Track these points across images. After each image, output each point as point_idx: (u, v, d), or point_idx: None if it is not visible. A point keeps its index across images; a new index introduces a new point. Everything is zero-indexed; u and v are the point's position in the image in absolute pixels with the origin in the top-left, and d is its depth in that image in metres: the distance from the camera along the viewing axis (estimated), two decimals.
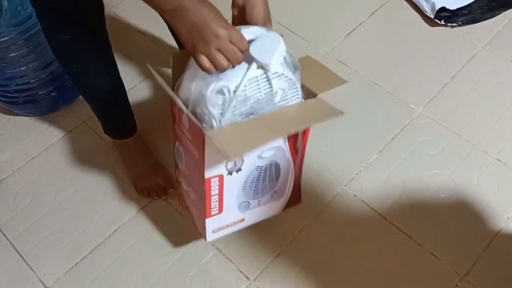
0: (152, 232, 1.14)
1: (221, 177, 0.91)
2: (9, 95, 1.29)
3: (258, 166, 0.95)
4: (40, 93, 1.29)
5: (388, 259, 1.08)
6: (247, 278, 1.07)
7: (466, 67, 1.39)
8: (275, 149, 0.94)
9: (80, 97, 1.38)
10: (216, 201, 0.95)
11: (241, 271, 1.08)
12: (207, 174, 0.88)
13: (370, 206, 1.15)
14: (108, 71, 1.04)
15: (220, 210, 0.97)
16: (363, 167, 1.21)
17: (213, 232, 1.01)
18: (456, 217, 1.12)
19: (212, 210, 0.96)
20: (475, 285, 1.03)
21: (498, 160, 1.20)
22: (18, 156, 1.29)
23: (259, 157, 0.93)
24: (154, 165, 1.20)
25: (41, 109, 1.35)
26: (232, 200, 0.98)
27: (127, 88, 1.12)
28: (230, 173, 0.92)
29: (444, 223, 1.12)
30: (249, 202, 1.01)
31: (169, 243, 1.12)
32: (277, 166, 0.98)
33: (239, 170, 0.92)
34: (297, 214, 1.14)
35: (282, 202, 1.06)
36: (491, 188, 1.16)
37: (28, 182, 1.24)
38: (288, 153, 0.97)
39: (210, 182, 0.90)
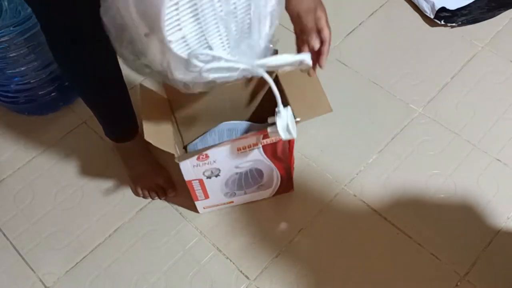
0: (152, 232, 1.14)
1: (201, 181, 1.02)
2: (9, 95, 1.29)
3: (237, 173, 1.03)
4: (40, 93, 1.29)
5: (388, 259, 1.08)
6: (247, 278, 1.07)
7: (466, 67, 1.39)
8: (253, 161, 0.99)
9: None
10: (201, 193, 1.07)
11: (241, 271, 1.08)
12: (186, 178, 1.00)
13: (370, 206, 1.15)
14: (115, 78, 1.04)
15: (206, 197, 1.09)
16: (363, 167, 1.21)
17: (204, 208, 1.14)
18: (456, 217, 1.12)
19: (198, 197, 1.08)
20: (475, 285, 1.03)
21: (498, 160, 1.20)
22: (18, 156, 1.29)
23: (236, 167, 1.01)
24: (154, 166, 1.20)
25: (41, 109, 1.35)
26: (216, 191, 1.08)
27: None
28: (209, 177, 1.01)
29: (444, 223, 1.12)
30: (234, 193, 1.11)
31: (169, 243, 1.12)
32: (258, 170, 1.05)
33: (217, 175, 1.02)
34: (297, 214, 1.14)
35: (271, 191, 1.13)
36: (491, 188, 1.16)
37: (28, 182, 1.24)
38: (267, 161, 1.02)
39: (191, 183, 1.02)
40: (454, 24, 1.47)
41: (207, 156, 0.94)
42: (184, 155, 0.94)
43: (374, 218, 1.13)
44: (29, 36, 1.16)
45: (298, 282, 1.06)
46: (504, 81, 1.35)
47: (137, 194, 1.19)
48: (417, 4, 1.52)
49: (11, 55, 1.17)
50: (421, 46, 1.44)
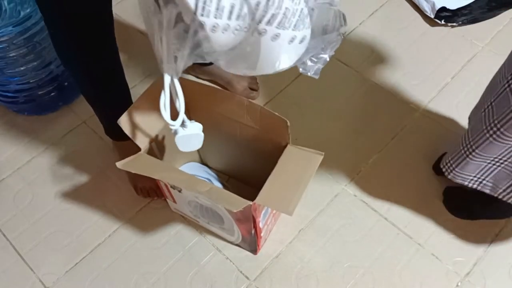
0: (152, 232, 1.14)
1: (166, 185, 1.02)
2: (9, 95, 1.29)
3: (195, 201, 1.00)
4: (39, 93, 1.29)
5: (388, 259, 1.08)
6: (247, 278, 1.07)
7: (466, 67, 1.39)
8: (210, 202, 0.96)
9: (80, 97, 1.38)
10: (168, 195, 1.07)
11: (241, 271, 1.08)
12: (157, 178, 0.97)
13: (370, 206, 1.15)
14: (117, 76, 1.04)
15: (174, 201, 1.09)
16: (363, 167, 1.21)
17: (174, 209, 1.15)
18: (456, 217, 1.12)
19: (167, 196, 1.09)
20: (475, 285, 1.03)
21: None
22: (18, 156, 1.29)
23: (195, 196, 0.97)
24: None
25: (41, 109, 1.35)
26: (183, 204, 1.06)
27: None
28: (172, 187, 1.00)
29: (444, 223, 1.12)
30: (199, 217, 1.08)
31: (169, 243, 1.12)
32: (216, 213, 0.99)
33: (180, 191, 1.00)
34: (297, 214, 1.14)
35: (235, 239, 1.09)
36: None
37: (28, 182, 1.24)
38: (225, 212, 0.96)
39: (159, 181, 1.02)
40: (454, 24, 1.47)
41: None
42: (148, 156, 0.94)
43: (374, 218, 1.13)
44: (29, 36, 1.15)
45: (298, 282, 1.06)
46: None
47: (136, 193, 1.19)
48: (417, 3, 1.52)
49: (10, 55, 1.17)
50: (421, 46, 1.44)
